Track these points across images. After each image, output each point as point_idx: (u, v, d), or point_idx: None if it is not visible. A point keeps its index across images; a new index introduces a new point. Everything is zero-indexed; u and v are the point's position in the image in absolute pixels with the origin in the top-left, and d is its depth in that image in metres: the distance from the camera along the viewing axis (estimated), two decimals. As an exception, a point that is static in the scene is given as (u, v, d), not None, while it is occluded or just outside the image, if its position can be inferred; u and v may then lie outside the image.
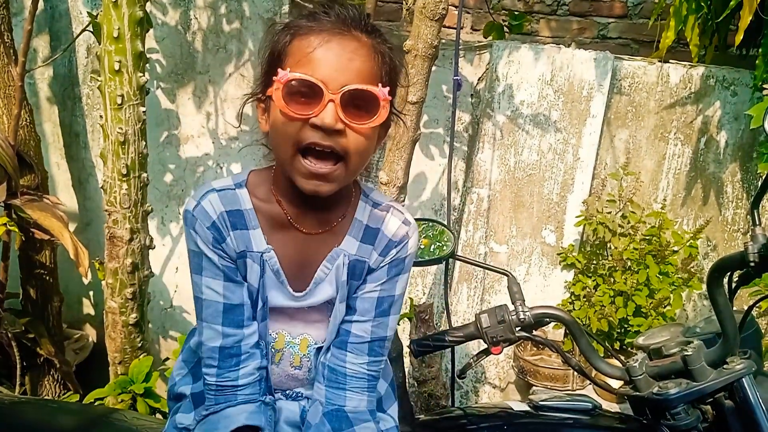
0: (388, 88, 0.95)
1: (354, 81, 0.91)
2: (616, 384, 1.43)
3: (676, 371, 1.25)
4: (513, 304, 1.39)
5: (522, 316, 1.36)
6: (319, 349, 1.07)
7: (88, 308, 2.90)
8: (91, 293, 2.87)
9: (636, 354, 1.36)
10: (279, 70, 0.92)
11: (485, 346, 1.37)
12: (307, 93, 0.91)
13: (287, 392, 1.10)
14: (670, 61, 2.45)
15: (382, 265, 1.05)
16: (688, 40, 2.31)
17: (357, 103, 0.92)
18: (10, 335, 2.16)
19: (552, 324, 2.00)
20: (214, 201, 1.00)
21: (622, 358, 1.44)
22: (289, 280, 1.03)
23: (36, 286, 2.36)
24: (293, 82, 0.91)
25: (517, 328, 1.37)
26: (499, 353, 1.42)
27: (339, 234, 1.05)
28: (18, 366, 2.17)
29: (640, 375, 1.28)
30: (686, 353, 1.20)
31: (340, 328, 1.06)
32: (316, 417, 1.03)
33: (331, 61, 0.91)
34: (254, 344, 1.02)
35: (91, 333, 2.89)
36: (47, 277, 2.36)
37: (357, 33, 0.94)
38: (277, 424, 1.07)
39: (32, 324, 2.31)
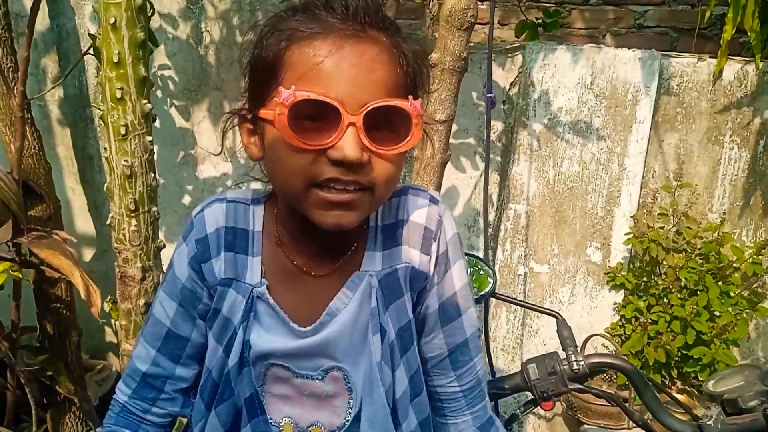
0: (419, 100, 0.76)
1: (378, 96, 0.72)
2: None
3: (758, 431, 1.09)
4: (564, 350, 1.27)
5: (576, 367, 1.23)
6: None
7: (110, 336, 2.82)
8: (112, 321, 2.78)
9: (705, 399, 1.21)
10: (281, 89, 0.71)
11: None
12: (320, 116, 0.71)
13: None
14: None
15: (432, 268, 0.86)
16: (746, 28, 2.06)
17: (384, 123, 0.73)
18: (26, 373, 2.07)
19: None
20: (219, 212, 0.85)
21: (693, 401, 1.28)
22: (291, 318, 0.84)
23: (53, 320, 2.26)
24: (301, 104, 0.70)
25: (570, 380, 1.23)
26: (551, 409, 1.28)
27: (354, 259, 0.86)
28: (33, 406, 2.09)
29: (717, 435, 1.12)
30: (768, 409, 1.04)
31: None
32: None
33: (346, 73, 0.71)
34: (182, 389, 0.91)
35: (114, 362, 2.80)
36: (64, 311, 2.27)
37: (374, 32, 0.74)
38: None
39: (50, 361, 2.22)
